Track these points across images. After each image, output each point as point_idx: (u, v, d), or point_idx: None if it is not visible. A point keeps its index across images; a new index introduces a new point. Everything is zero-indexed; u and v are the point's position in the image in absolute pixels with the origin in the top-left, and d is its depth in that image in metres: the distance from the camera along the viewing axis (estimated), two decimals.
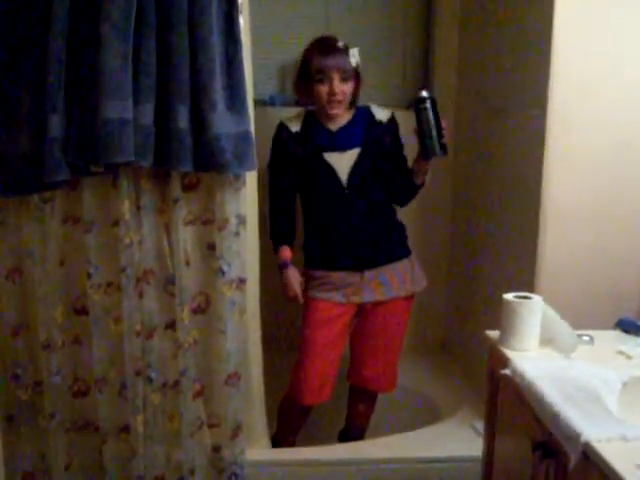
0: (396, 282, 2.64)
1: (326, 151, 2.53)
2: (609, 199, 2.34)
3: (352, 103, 2.56)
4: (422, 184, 2.61)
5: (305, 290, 2.63)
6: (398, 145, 2.63)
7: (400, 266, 2.65)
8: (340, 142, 2.54)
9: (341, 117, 2.56)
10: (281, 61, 3.37)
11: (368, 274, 2.60)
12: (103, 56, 1.97)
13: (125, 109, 2.00)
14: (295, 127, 2.57)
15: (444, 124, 2.38)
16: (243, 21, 2.16)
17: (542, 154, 2.32)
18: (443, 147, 2.38)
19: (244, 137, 2.16)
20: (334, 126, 2.56)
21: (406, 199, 2.68)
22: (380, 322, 2.69)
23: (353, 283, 2.59)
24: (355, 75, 2.49)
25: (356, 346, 2.78)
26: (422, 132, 2.37)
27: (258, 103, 2.75)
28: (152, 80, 2.05)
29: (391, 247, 2.66)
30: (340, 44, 2.47)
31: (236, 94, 2.13)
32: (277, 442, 2.73)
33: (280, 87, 3.40)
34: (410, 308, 2.75)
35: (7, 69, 2.09)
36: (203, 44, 2.04)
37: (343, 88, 2.45)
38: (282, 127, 2.60)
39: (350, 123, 2.58)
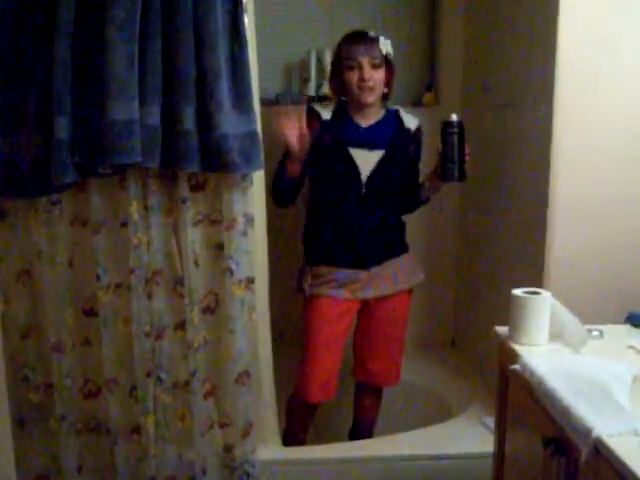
0: (400, 276, 2.66)
1: (352, 146, 2.52)
2: (617, 194, 2.33)
3: (385, 98, 2.57)
4: (427, 200, 2.66)
5: (309, 287, 2.61)
6: (418, 156, 2.66)
7: (402, 261, 2.68)
8: (368, 140, 2.54)
9: (372, 114, 2.56)
10: (286, 59, 3.37)
11: (374, 270, 2.61)
12: (109, 58, 1.98)
13: (131, 110, 2.01)
14: (325, 114, 2.55)
15: (468, 150, 2.40)
16: (248, 20, 2.16)
17: (549, 150, 2.31)
18: (462, 173, 2.41)
19: (251, 137, 2.16)
20: (364, 122, 2.56)
21: (407, 211, 2.72)
22: (384, 316, 2.70)
23: (359, 279, 2.60)
24: (386, 65, 2.49)
25: (361, 342, 2.78)
26: (445, 155, 2.40)
27: (264, 102, 2.75)
28: (158, 81, 2.06)
29: (394, 243, 2.68)
30: (371, 34, 2.48)
31: (242, 94, 2.13)
32: (287, 441, 2.73)
33: (286, 85, 3.40)
34: (410, 301, 2.77)
35: (13, 72, 2.10)
36: (208, 44, 2.04)
37: (374, 74, 2.45)
38: (311, 111, 2.57)
39: (380, 123, 2.58)
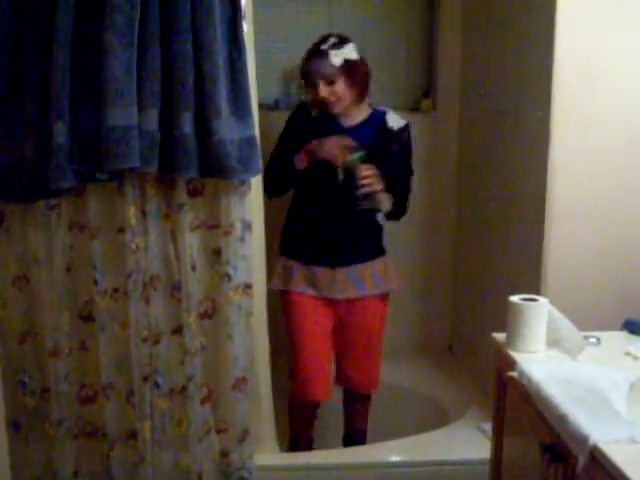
0: (370, 281, 2.66)
1: None
2: (614, 200, 2.34)
3: (361, 97, 2.56)
4: (392, 213, 2.62)
5: (278, 280, 2.64)
6: (402, 157, 2.63)
7: (374, 265, 2.67)
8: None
9: (355, 115, 2.58)
10: (285, 65, 3.37)
11: (341, 271, 2.61)
12: (107, 63, 1.98)
13: (130, 116, 2.01)
14: (315, 112, 2.58)
15: (362, 175, 2.43)
16: (246, 25, 2.17)
17: (546, 155, 2.32)
18: (359, 199, 2.46)
19: (249, 142, 2.16)
20: (348, 123, 2.58)
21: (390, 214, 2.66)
22: (356, 322, 2.71)
23: (325, 279, 2.62)
24: (345, 73, 2.46)
25: (337, 347, 2.78)
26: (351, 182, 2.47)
27: (262, 107, 2.76)
28: (157, 87, 2.06)
29: (367, 246, 2.67)
30: (324, 46, 2.47)
31: (240, 99, 2.14)
32: (295, 444, 2.73)
33: (284, 91, 3.40)
34: (385, 307, 2.77)
35: (12, 77, 2.10)
36: (207, 50, 2.04)
37: (332, 90, 2.47)
38: (302, 107, 2.63)
39: (363, 123, 2.60)
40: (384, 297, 2.74)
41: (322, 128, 2.56)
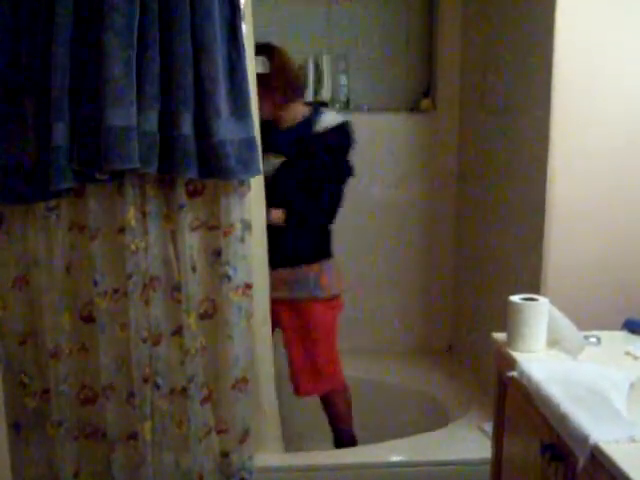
0: (307, 284, 2.66)
1: (270, 150, 2.56)
2: (614, 200, 2.33)
3: (281, 106, 2.57)
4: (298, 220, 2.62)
5: None
6: (320, 160, 2.57)
7: (312, 269, 2.67)
8: (277, 145, 2.59)
9: (288, 118, 2.61)
10: None
11: (280, 272, 2.63)
12: (106, 64, 1.98)
13: (129, 116, 2.01)
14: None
15: None
16: (246, 26, 2.17)
17: (546, 155, 2.31)
18: None
19: (248, 143, 2.16)
20: (282, 126, 2.63)
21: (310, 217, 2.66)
22: (293, 323, 2.72)
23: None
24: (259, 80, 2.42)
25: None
26: None
27: None
28: (156, 87, 2.06)
29: (307, 250, 2.67)
30: None
31: (240, 100, 2.14)
32: None
33: None
34: (331, 312, 2.74)
35: (12, 78, 2.10)
36: (206, 51, 2.05)
37: None
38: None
39: (297, 125, 2.62)
40: (329, 301, 2.72)
41: (264, 131, 2.53)
